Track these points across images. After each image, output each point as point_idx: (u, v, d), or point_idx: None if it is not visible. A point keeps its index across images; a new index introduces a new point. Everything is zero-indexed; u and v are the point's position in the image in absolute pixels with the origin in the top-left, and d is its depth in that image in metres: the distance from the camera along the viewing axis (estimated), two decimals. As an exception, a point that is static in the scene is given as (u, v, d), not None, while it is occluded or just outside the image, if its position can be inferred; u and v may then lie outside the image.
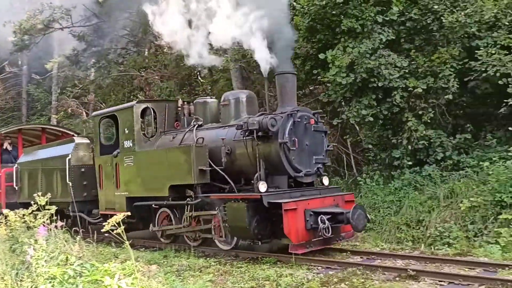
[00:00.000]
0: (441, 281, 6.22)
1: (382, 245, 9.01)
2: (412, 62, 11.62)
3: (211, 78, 17.47)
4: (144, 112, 10.45)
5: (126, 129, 10.29)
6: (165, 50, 18.46)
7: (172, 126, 10.62)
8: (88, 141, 12.65)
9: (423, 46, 12.13)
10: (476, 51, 10.98)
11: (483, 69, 10.75)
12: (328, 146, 9.19)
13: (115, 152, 10.55)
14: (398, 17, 11.59)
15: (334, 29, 11.84)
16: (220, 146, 8.71)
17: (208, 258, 8.54)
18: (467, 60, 11.34)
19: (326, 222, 7.62)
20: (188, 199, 9.04)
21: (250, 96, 9.62)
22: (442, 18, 11.34)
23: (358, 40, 11.49)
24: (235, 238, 8.67)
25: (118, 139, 11.05)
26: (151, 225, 10.22)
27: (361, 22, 11.38)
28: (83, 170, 12.09)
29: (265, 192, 7.97)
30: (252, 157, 8.44)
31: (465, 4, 11.55)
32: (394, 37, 11.66)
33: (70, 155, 12.08)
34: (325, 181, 9.15)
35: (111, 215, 10.74)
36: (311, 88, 14.63)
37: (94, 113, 12.16)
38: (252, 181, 8.46)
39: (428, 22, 11.69)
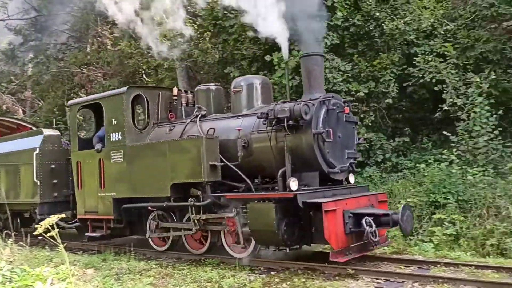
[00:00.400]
0: (378, 279, 6.31)
1: (324, 246, 9.16)
2: (355, 67, 12.01)
3: (156, 77, 17.19)
4: (135, 101, 8.98)
5: (113, 120, 8.81)
6: (108, 47, 17.98)
7: (166, 118, 9.24)
8: (59, 134, 11.18)
9: (366, 51, 12.57)
10: (414, 58, 11.51)
11: (421, 75, 11.29)
12: (359, 139, 8.18)
13: (98, 147, 9.13)
14: (342, 22, 11.93)
15: (281, 31, 12.02)
16: (235, 138, 7.55)
17: (149, 261, 8.24)
18: (406, 66, 11.84)
19: (373, 225, 6.62)
20: (191, 199, 7.77)
21: (264, 82, 8.37)
22: (383, 25, 11.81)
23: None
24: (253, 245, 7.46)
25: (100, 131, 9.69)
26: (147, 230, 8.70)
27: None
28: (53, 166, 10.59)
29: (297, 190, 6.85)
30: (276, 151, 7.29)
31: (405, 12, 12.08)
32: (338, 42, 11.98)
33: (38, 149, 10.51)
34: (351, 178, 7.98)
35: (93, 220, 9.17)
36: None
37: (71, 101, 10.44)
38: (269, 179, 7.64)
39: (371, 28, 12.15)
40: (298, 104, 7.06)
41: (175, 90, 9.30)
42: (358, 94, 11.55)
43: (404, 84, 12.01)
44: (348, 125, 7.80)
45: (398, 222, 6.69)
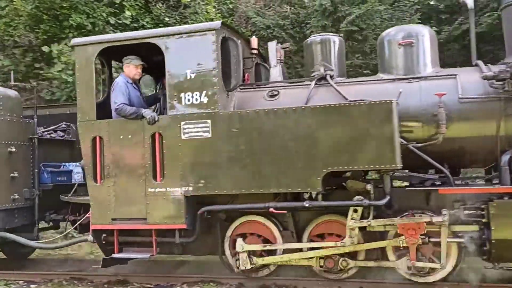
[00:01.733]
0: (148, 284, 6.07)
1: (97, 252, 8.06)
2: None
3: None
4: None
5: (189, 72, 5.63)
6: None
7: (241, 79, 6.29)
8: (19, 96, 7.09)
9: None
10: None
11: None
12: None
13: (151, 114, 5.79)
14: (131, 22, 11.45)
15: (62, 22, 10.93)
16: (431, 109, 5.37)
17: None
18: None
19: None
20: (358, 197, 5.25)
21: (433, 34, 6.01)
22: None
23: (88, 38, 11.22)
24: (452, 264, 5.32)
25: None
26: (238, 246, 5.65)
27: (92, 20, 10.84)
28: (12, 150, 6.69)
29: None
30: (505, 127, 5.26)
31: (193, 22, 12.21)
32: None
33: None
34: None
35: (123, 232, 5.96)
36: (32, 83, 13.14)
37: (82, 39, 6.34)
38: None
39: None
40: None
41: (254, 41, 6.37)
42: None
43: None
44: None
45: None
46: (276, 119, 5.30)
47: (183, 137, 5.57)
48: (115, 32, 10.93)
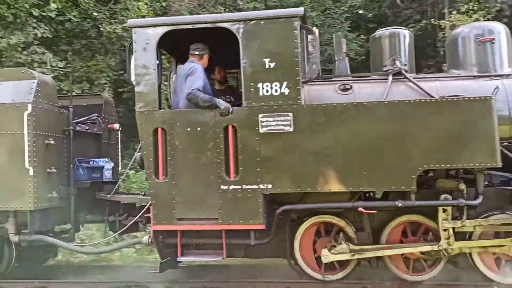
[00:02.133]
0: None
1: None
2: (68, 65, 11.06)
3: None
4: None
5: (267, 61, 5.20)
6: None
7: None
8: (54, 83, 6.31)
9: (82, 50, 11.73)
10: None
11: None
12: None
13: (226, 104, 5.25)
14: (57, 15, 10.88)
15: (-19, 12, 9.95)
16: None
17: None
18: (122, 72, 11.24)
19: None
20: (446, 195, 5.08)
21: (508, 33, 5.88)
22: (100, 26, 11.29)
23: (9, 30, 10.14)
24: None
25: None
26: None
27: (13, 11, 10.03)
28: (51, 141, 5.88)
29: None
30: None
31: (124, 18, 11.71)
32: (51, 36, 10.79)
33: (30, 107, 5.62)
34: None
35: (186, 233, 5.39)
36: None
37: (140, 21, 5.94)
38: None
39: (88, 28, 11.43)
40: None
41: (315, 32, 5.88)
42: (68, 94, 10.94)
43: (120, 90, 11.87)
44: None
45: None
46: (366, 113, 5.00)
47: (261, 130, 5.13)
48: (39, 26, 10.31)
